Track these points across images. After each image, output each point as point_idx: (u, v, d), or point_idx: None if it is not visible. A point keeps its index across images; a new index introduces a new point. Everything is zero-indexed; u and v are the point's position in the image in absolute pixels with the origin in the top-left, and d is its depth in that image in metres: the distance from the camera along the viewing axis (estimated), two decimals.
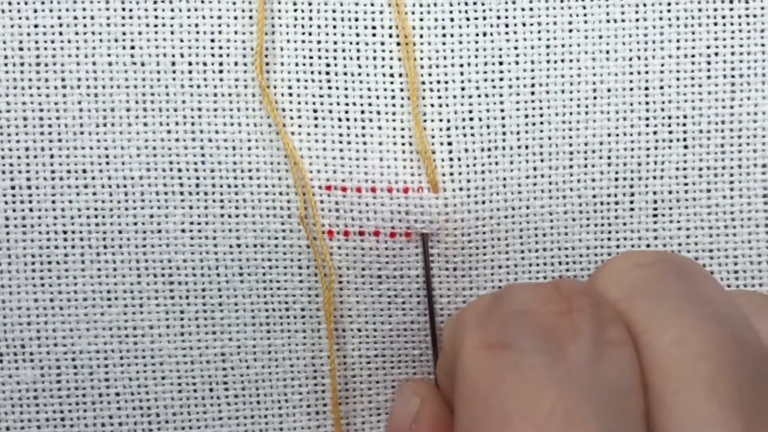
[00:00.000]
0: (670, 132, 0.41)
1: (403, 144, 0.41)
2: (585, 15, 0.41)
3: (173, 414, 0.42)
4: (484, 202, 0.41)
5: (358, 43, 0.41)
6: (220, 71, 0.41)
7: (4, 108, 0.41)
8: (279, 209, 0.41)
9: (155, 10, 0.41)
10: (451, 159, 0.41)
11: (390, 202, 0.41)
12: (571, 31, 0.41)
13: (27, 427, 0.42)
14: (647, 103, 0.41)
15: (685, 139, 0.41)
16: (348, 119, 0.41)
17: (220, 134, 0.41)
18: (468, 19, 0.41)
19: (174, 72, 0.41)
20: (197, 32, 0.41)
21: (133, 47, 0.41)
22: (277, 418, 0.42)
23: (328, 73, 0.41)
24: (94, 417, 0.42)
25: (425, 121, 0.41)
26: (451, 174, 0.41)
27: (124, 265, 0.41)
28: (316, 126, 0.41)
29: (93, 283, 0.41)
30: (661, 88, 0.41)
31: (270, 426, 0.42)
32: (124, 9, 0.41)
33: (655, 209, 0.42)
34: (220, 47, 0.41)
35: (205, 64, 0.41)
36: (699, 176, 0.42)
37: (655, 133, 0.41)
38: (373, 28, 0.41)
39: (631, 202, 0.42)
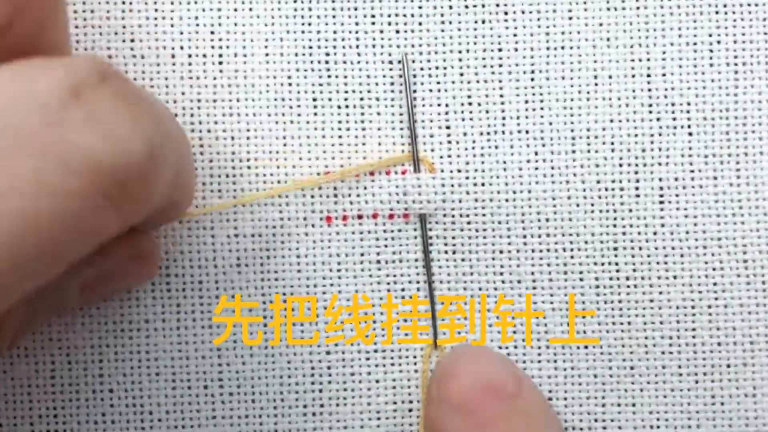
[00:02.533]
0: (674, 119, 0.41)
1: (401, 129, 0.41)
2: (585, 2, 0.41)
3: (166, 412, 0.41)
4: (483, 185, 0.41)
5: (357, 32, 0.41)
6: (220, 62, 0.41)
7: None
8: (277, 197, 0.41)
9: (155, 2, 0.41)
10: (449, 142, 0.41)
11: (388, 184, 0.41)
12: (570, 18, 0.41)
13: (20, 423, 0.41)
14: (650, 90, 0.41)
15: (689, 126, 0.41)
16: (347, 106, 0.41)
17: (219, 125, 0.41)
18: (467, 6, 0.41)
19: (173, 64, 0.41)
20: (197, 24, 0.41)
21: (132, 40, 0.41)
22: (272, 418, 0.41)
23: (327, 62, 0.41)
24: (87, 414, 0.41)
25: (423, 105, 0.41)
26: (449, 156, 0.41)
27: None
28: (315, 114, 0.41)
29: None
30: (664, 75, 0.41)
31: (264, 426, 0.41)
32: (123, 2, 0.41)
33: (662, 196, 0.41)
34: (220, 39, 0.41)
35: (204, 56, 0.41)
36: (705, 163, 0.41)
37: (658, 119, 0.41)
38: (372, 16, 0.41)
39: (637, 189, 0.41)
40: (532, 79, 0.41)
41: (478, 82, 0.41)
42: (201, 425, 0.41)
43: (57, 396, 0.41)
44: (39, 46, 0.30)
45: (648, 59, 0.41)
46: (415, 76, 0.41)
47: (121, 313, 0.41)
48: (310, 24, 0.41)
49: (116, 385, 0.41)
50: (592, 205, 0.41)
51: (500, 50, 0.41)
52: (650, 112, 0.41)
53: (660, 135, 0.41)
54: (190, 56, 0.41)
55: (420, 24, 0.41)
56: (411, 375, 0.41)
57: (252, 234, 0.41)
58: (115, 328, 0.41)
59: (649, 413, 0.41)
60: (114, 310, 0.41)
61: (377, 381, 0.41)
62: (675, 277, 0.41)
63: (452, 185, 0.41)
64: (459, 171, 0.41)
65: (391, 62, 0.41)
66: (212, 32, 0.41)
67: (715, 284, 0.41)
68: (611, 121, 0.41)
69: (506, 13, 0.41)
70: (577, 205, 0.41)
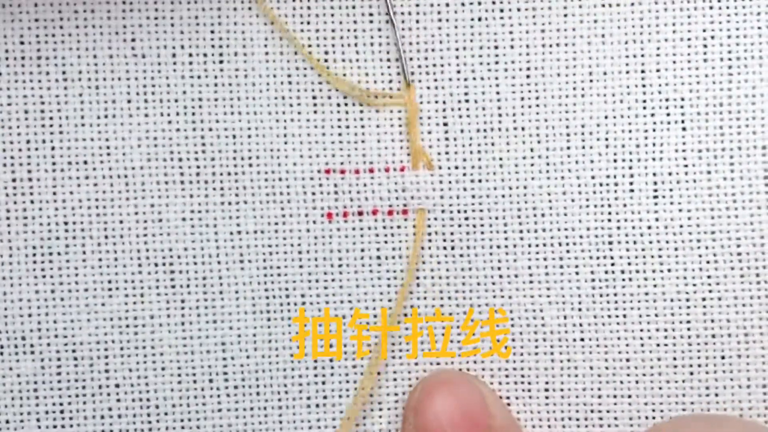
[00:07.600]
0: (668, 114, 0.41)
1: (400, 126, 0.42)
2: None
3: (172, 406, 0.42)
4: (480, 181, 0.42)
5: (355, 30, 0.42)
6: (221, 61, 0.41)
7: (5, 101, 0.41)
8: (278, 195, 0.42)
9: (155, 2, 0.41)
10: (446, 139, 0.42)
11: (387, 181, 0.41)
12: (566, 15, 0.41)
13: (26, 419, 0.41)
14: (644, 86, 0.41)
15: (683, 122, 0.41)
16: (346, 104, 0.42)
17: (221, 123, 0.41)
18: (464, 4, 0.42)
19: (174, 63, 0.41)
20: (197, 24, 0.41)
21: (133, 39, 0.41)
22: (277, 410, 0.42)
23: (326, 60, 0.42)
24: (94, 409, 0.42)
25: (421, 103, 0.42)
26: (447, 153, 0.42)
27: (125, 255, 0.41)
28: (315, 112, 0.42)
29: (94, 274, 0.41)
30: (658, 71, 0.41)
31: (269, 418, 0.42)
32: (124, 2, 0.41)
33: (656, 191, 0.41)
34: (220, 38, 0.41)
35: (205, 55, 0.41)
36: (699, 158, 0.41)
37: (653, 115, 0.41)
38: (370, 14, 0.42)
39: (631, 184, 0.41)
40: (528, 76, 0.41)
41: (474, 79, 0.42)
42: (207, 418, 0.42)
43: (63, 392, 0.42)
44: None
45: (642, 55, 0.41)
46: (412, 73, 0.42)
47: (126, 309, 0.41)
48: (308, 22, 0.42)
49: (122, 380, 0.42)
50: (587, 200, 0.41)
51: (496, 48, 0.42)
52: (644, 107, 0.41)
53: (654, 130, 0.41)
54: (190, 55, 0.41)
55: (417, 22, 0.42)
56: (411, 367, 0.42)
57: (255, 230, 0.42)
58: (120, 324, 0.42)
59: (645, 405, 0.41)
60: (119, 306, 0.41)
61: (379, 373, 0.42)
62: (669, 271, 0.41)
63: (450, 182, 0.41)
64: (456, 167, 0.42)
65: (389, 59, 0.42)
66: (212, 31, 0.41)
67: (709, 277, 0.41)
68: (606, 117, 0.41)
69: (502, 11, 0.41)
70: (573, 201, 0.41)
